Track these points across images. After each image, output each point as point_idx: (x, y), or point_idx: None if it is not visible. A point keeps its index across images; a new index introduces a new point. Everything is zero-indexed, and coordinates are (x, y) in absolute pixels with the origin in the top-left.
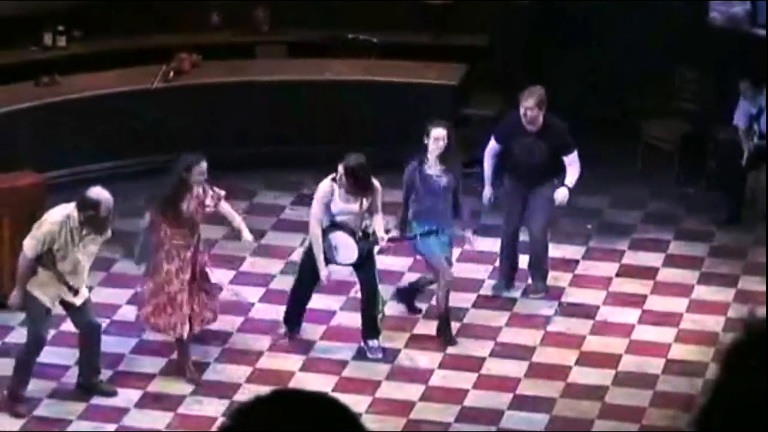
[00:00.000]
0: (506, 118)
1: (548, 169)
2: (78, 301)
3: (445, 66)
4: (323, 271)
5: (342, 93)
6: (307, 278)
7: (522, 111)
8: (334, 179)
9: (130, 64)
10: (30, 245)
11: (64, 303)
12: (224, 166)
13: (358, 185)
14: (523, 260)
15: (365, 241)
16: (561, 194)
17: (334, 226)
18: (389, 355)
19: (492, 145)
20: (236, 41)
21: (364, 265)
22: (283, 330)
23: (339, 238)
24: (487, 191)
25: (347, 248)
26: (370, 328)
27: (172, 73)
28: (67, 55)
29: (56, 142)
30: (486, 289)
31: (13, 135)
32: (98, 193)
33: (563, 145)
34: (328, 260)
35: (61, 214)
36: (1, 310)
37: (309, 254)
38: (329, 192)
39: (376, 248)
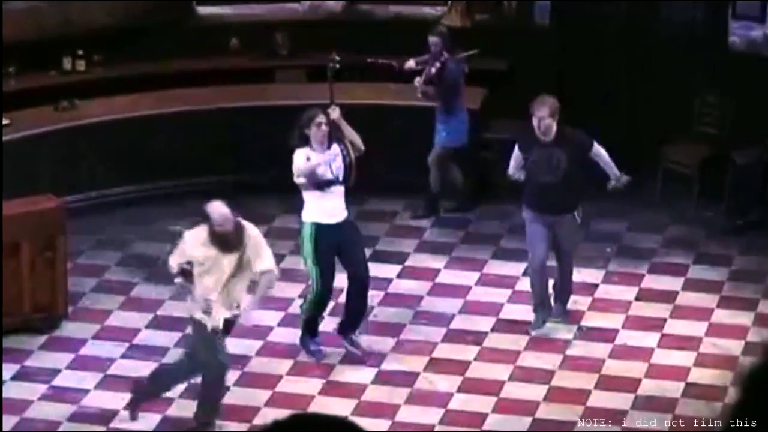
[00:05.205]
0: (524, 128)
1: (568, 190)
2: (235, 312)
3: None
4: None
5: (361, 117)
6: (329, 273)
7: (536, 122)
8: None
9: (150, 89)
10: (171, 259)
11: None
12: (243, 190)
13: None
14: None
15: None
16: (623, 179)
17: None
18: (408, 378)
19: (516, 154)
20: (255, 66)
21: (349, 248)
22: (313, 348)
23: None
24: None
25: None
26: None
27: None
28: (87, 79)
29: (75, 167)
30: (505, 314)
31: (32, 159)
32: (210, 206)
33: (582, 145)
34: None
35: (193, 231)
36: (20, 334)
37: (318, 255)
38: (303, 157)
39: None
